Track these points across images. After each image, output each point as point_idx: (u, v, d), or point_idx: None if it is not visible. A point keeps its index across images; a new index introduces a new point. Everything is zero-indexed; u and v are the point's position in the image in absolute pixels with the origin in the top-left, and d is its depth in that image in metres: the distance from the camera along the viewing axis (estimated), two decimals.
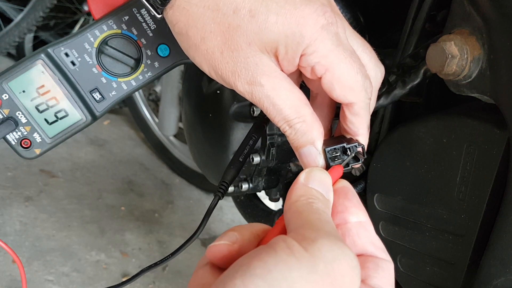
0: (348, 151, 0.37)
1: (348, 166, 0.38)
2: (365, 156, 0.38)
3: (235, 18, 0.34)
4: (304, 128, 0.35)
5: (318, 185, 0.32)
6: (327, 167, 0.36)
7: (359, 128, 0.38)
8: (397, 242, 0.54)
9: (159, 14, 0.37)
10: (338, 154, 0.37)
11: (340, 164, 0.37)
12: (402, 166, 0.52)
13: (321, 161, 0.36)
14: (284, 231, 0.30)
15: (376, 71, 0.40)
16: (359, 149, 0.38)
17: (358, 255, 0.32)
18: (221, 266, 0.30)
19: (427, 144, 0.49)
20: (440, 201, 0.49)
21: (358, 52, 0.37)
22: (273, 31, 0.34)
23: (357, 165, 0.38)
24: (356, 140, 0.38)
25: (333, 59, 0.34)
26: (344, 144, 0.37)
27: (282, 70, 0.36)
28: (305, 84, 0.41)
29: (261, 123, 0.45)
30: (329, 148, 0.36)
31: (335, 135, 0.41)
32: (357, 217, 0.33)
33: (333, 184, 0.35)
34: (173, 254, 0.43)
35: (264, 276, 0.24)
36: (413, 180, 0.51)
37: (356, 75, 0.35)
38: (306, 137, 0.36)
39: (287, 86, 0.35)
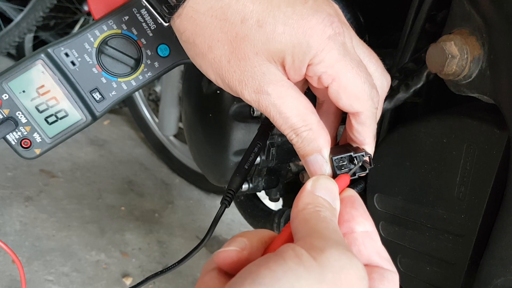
0: (355, 160, 0.37)
1: (355, 175, 0.38)
2: (372, 165, 0.38)
3: (242, 28, 0.34)
4: (311, 136, 0.36)
5: (325, 193, 0.32)
6: (334, 176, 0.36)
7: (366, 137, 0.38)
8: (397, 242, 0.54)
9: (166, 22, 0.37)
10: (345, 163, 0.37)
11: (347, 173, 0.36)
12: (402, 166, 0.52)
13: (327, 169, 0.36)
14: (290, 239, 0.30)
15: (382, 80, 0.40)
16: (366, 158, 0.38)
17: (364, 265, 0.32)
18: (229, 272, 0.30)
19: (427, 144, 0.49)
20: (440, 201, 0.49)
21: (365, 61, 0.37)
22: (280, 41, 0.34)
23: (363, 174, 0.38)
24: (363, 149, 0.38)
25: (339, 68, 0.34)
26: (351, 153, 0.37)
27: (289, 79, 0.36)
28: (311, 91, 0.41)
29: (266, 130, 0.45)
30: (336, 157, 0.36)
31: (341, 142, 0.41)
32: (364, 227, 0.33)
33: (340, 193, 0.34)
34: (180, 262, 0.43)
35: (272, 285, 0.24)
36: (413, 180, 0.51)
37: (362, 84, 0.35)
38: (313, 145, 0.36)
39: (293, 94, 0.35)
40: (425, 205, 0.50)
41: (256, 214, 0.82)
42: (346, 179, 0.36)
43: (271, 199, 0.79)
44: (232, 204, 0.89)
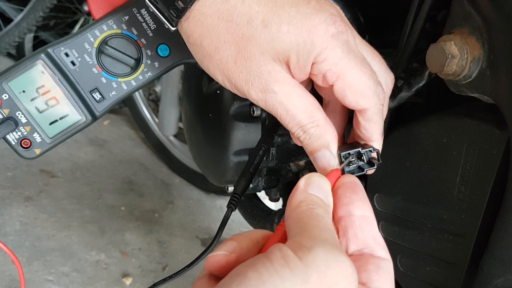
0: (363, 156, 0.38)
1: (363, 171, 0.38)
2: (380, 161, 0.38)
3: (248, 28, 0.35)
4: (318, 132, 0.36)
5: (318, 190, 0.33)
6: (342, 172, 0.36)
7: (373, 134, 0.39)
8: (397, 242, 0.54)
9: (173, 26, 0.38)
10: (353, 159, 0.37)
11: (340, 169, 0.37)
12: (402, 166, 0.52)
13: (336, 164, 0.37)
14: (284, 238, 0.30)
15: (386, 78, 0.40)
16: (374, 154, 0.38)
17: (359, 254, 0.32)
18: (220, 276, 0.30)
19: (427, 144, 0.49)
20: (440, 201, 0.49)
21: (368, 59, 0.38)
22: (285, 41, 0.35)
23: (372, 171, 0.39)
24: (371, 145, 0.39)
25: (344, 66, 0.35)
26: (359, 149, 0.37)
27: (294, 78, 0.36)
28: (316, 92, 0.41)
29: (270, 132, 0.45)
30: (344, 153, 0.37)
31: (349, 141, 0.42)
32: (362, 211, 0.33)
33: (332, 187, 0.35)
34: (189, 266, 0.43)
35: (258, 287, 0.24)
36: (413, 180, 0.51)
37: (367, 81, 0.36)
38: (320, 141, 0.36)
39: (299, 92, 0.36)
40: (425, 205, 0.50)
41: (256, 214, 0.82)
42: (337, 174, 0.36)
43: (271, 199, 0.79)
44: None
